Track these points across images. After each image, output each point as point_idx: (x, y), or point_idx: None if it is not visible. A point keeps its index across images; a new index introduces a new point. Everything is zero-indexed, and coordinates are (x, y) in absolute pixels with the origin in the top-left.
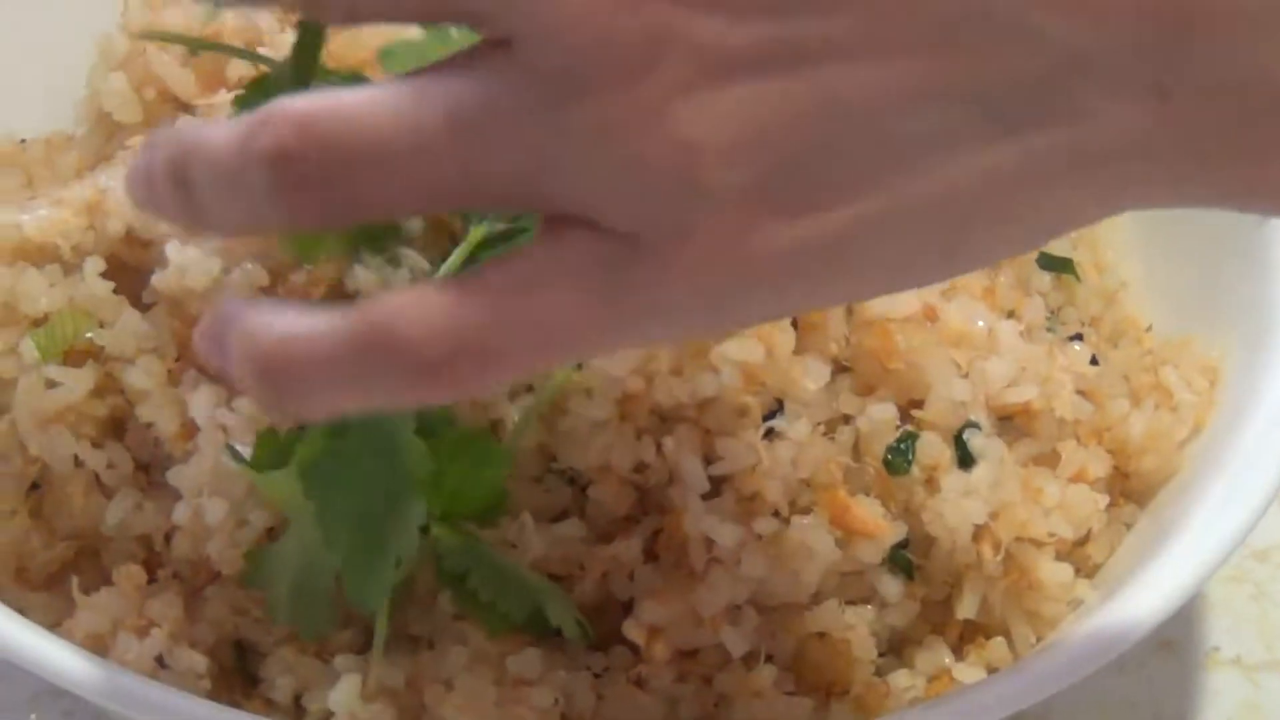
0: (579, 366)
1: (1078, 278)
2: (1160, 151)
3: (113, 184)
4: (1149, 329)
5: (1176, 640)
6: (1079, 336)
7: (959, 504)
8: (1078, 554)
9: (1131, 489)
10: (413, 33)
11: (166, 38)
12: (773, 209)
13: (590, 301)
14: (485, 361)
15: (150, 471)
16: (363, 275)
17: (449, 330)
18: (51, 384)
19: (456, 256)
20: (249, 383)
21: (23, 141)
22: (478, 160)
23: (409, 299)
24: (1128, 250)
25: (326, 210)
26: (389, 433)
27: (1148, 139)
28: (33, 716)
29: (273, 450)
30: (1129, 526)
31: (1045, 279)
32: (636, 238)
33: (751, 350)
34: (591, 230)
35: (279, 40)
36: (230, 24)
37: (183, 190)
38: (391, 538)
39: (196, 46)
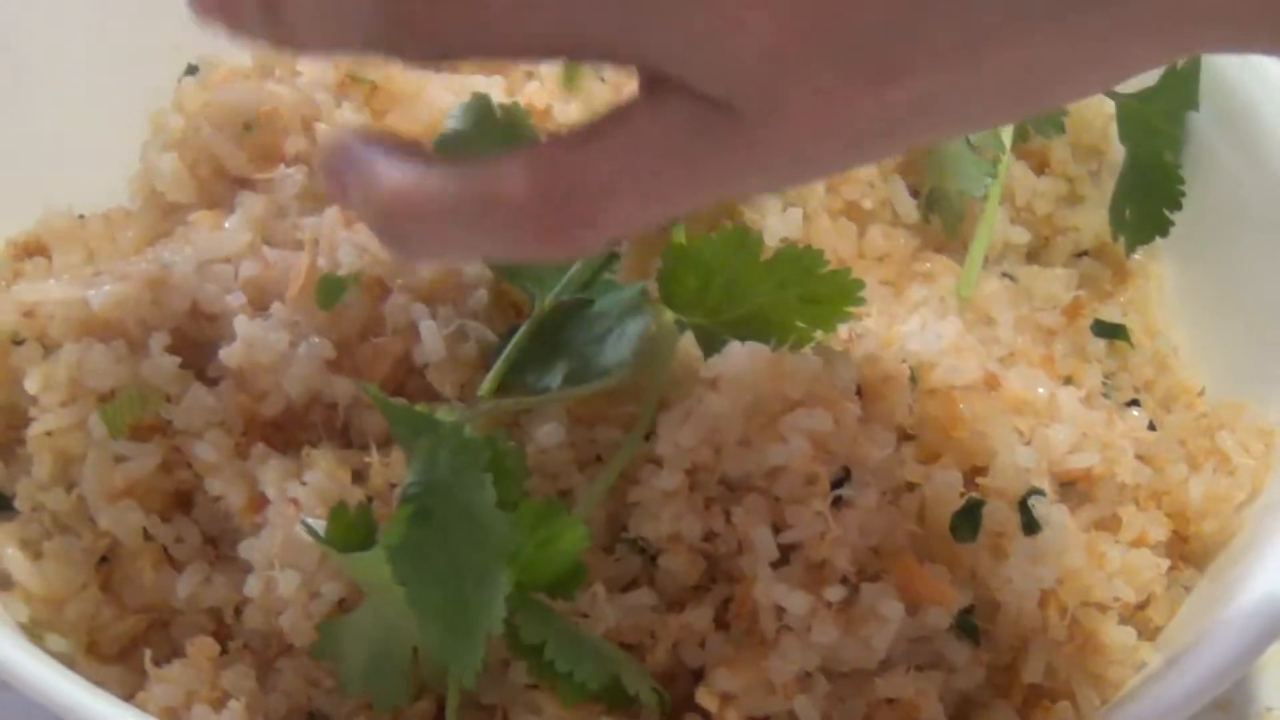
0: (647, 438)
1: (1131, 344)
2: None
3: (176, 260)
4: (1201, 393)
5: (1232, 701)
6: (1135, 402)
7: (1026, 570)
8: (1139, 617)
9: (1190, 552)
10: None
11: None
12: (863, 78)
13: (687, 159)
14: (592, 213)
15: (219, 545)
16: (431, 348)
17: (558, 182)
18: (120, 459)
19: (526, 329)
20: (368, 223)
21: (81, 217)
22: (577, 8)
23: (520, 157)
24: (1176, 316)
25: (424, 43)
26: (473, 510)
27: None
28: None
29: (347, 526)
30: (1188, 589)
31: (1099, 345)
32: (729, 104)
33: (819, 420)
34: (687, 94)
35: (335, 115)
36: (287, 99)
37: (271, 12)
38: (481, 612)
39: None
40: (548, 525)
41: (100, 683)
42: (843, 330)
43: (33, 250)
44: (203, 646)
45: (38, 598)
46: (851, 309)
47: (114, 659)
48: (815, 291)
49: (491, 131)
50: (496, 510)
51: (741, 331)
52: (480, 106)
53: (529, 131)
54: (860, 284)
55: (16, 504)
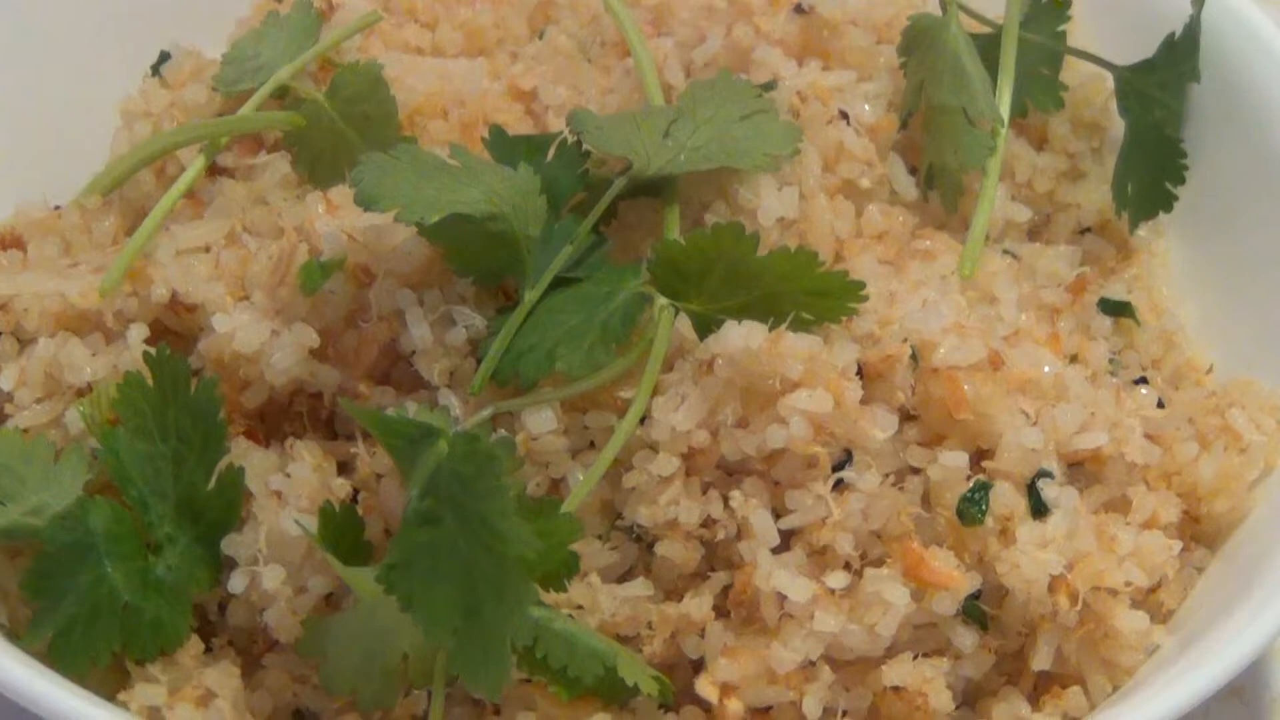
0: (642, 421)
1: (1137, 321)
2: None
3: (154, 250)
4: (1209, 371)
5: (1245, 687)
6: (1143, 380)
7: (1035, 555)
8: (1151, 600)
9: (1202, 532)
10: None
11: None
12: None
13: None
14: None
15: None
16: (418, 335)
17: None
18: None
19: (516, 315)
20: None
21: (57, 208)
22: None
23: None
24: (1182, 292)
25: None
26: (489, 521)
27: None
28: None
29: (335, 525)
30: (1201, 570)
31: (1105, 323)
32: None
33: (819, 401)
34: None
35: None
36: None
37: None
38: (504, 627)
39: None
40: (540, 521)
41: (81, 682)
42: None
43: (8, 243)
44: (187, 645)
45: (16, 597)
46: (854, 304)
47: None
48: (816, 286)
49: None
50: (515, 519)
51: (740, 318)
52: None
53: None
54: (861, 284)
55: None
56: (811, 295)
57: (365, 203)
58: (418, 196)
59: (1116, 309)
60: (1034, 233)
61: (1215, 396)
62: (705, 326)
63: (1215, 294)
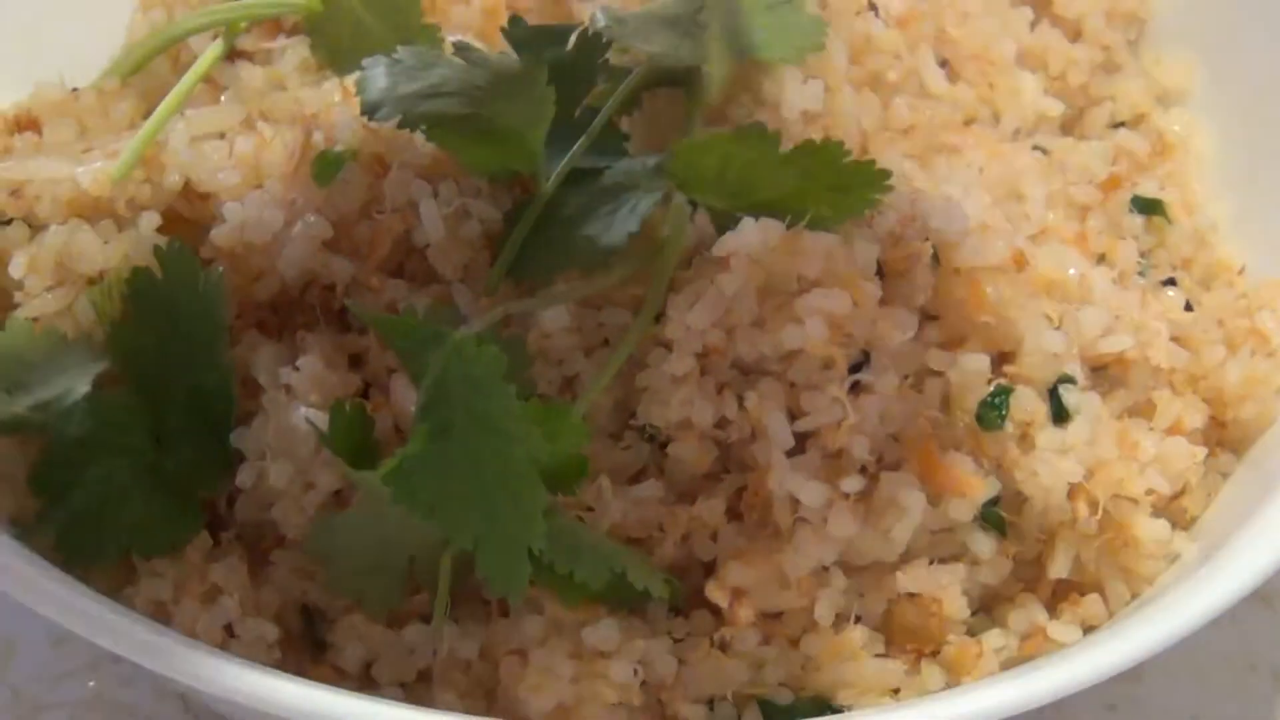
0: (656, 320)
1: (1169, 219)
2: None
3: (168, 135)
4: (1241, 271)
5: (1272, 592)
6: (1172, 281)
7: (1055, 462)
8: (1173, 507)
9: (1228, 438)
10: None
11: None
12: None
13: None
14: None
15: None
16: (432, 228)
17: None
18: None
19: (532, 209)
20: None
21: (74, 90)
22: None
23: None
24: (1217, 190)
25: None
26: (495, 422)
27: None
28: (92, 683)
29: (345, 423)
30: (1226, 476)
31: (1136, 221)
32: None
33: (837, 301)
34: None
35: None
36: None
37: None
38: (521, 529)
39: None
40: (549, 424)
41: (86, 577)
42: None
43: (24, 124)
44: (196, 541)
45: (24, 489)
46: (878, 195)
47: None
48: (840, 180)
49: None
50: (522, 419)
51: (761, 216)
52: None
53: None
54: (887, 173)
55: None
56: (834, 191)
57: (371, 109)
58: (425, 97)
59: (1148, 207)
60: (1066, 127)
61: (1246, 298)
62: (724, 225)
63: (1251, 192)
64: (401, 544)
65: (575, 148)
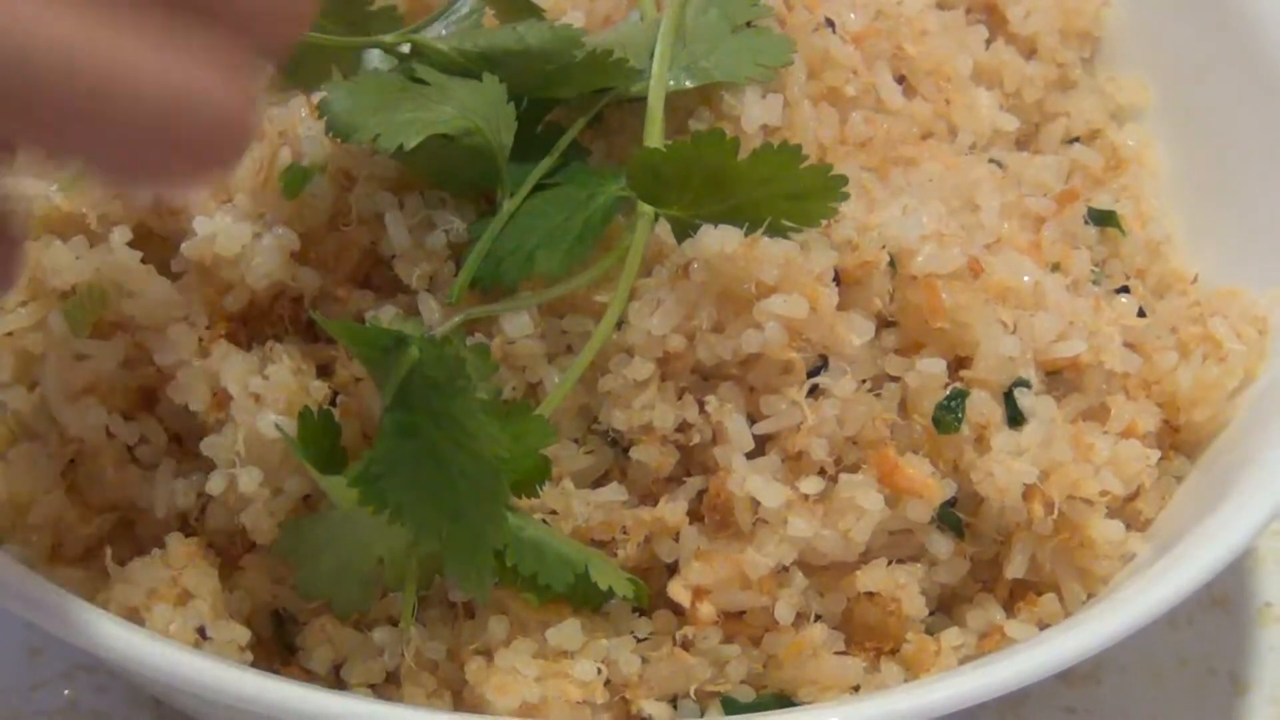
0: (619, 326)
1: (1123, 231)
2: None
3: None
4: (1195, 280)
5: (1229, 596)
6: (1125, 289)
7: (1010, 464)
8: (1129, 509)
9: (1182, 442)
10: None
11: None
12: None
13: None
14: None
15: (184, 442)
16: (397, 239)
17: None
18: (81, 357)
19: (497, 222)
20: None
21: None
22: None
23: None
24: (1171, 202)
25: None
26: (459, 421)
27: None
28: (67, 691)
29: (313, 429)
30: (1180, 479)
31: (1091, 232)
32: None
33: (795, 305)
34: None
35: None
36: None
37: None
38: (487, 525)
39: None
40: (513, 425)
41: (62, 586)
42: None
43: None
44: (181, 543)
45: (2, 501)
46: (834, 204)
47: (77, 561)
48: (798, 187)
49: None
50: (486, 420)
51: (720, 223)
52: None
53: None
54: (843, 179)
55: None
56: (792, 200)
57: (340, 134)
58: (391, 122)
59: (1102, 218)
60: (1021, 142)
61: (1199, 305)
62: (684, 232)
63: (1204, 203)
64: (369, 546)
65: (539, 165)
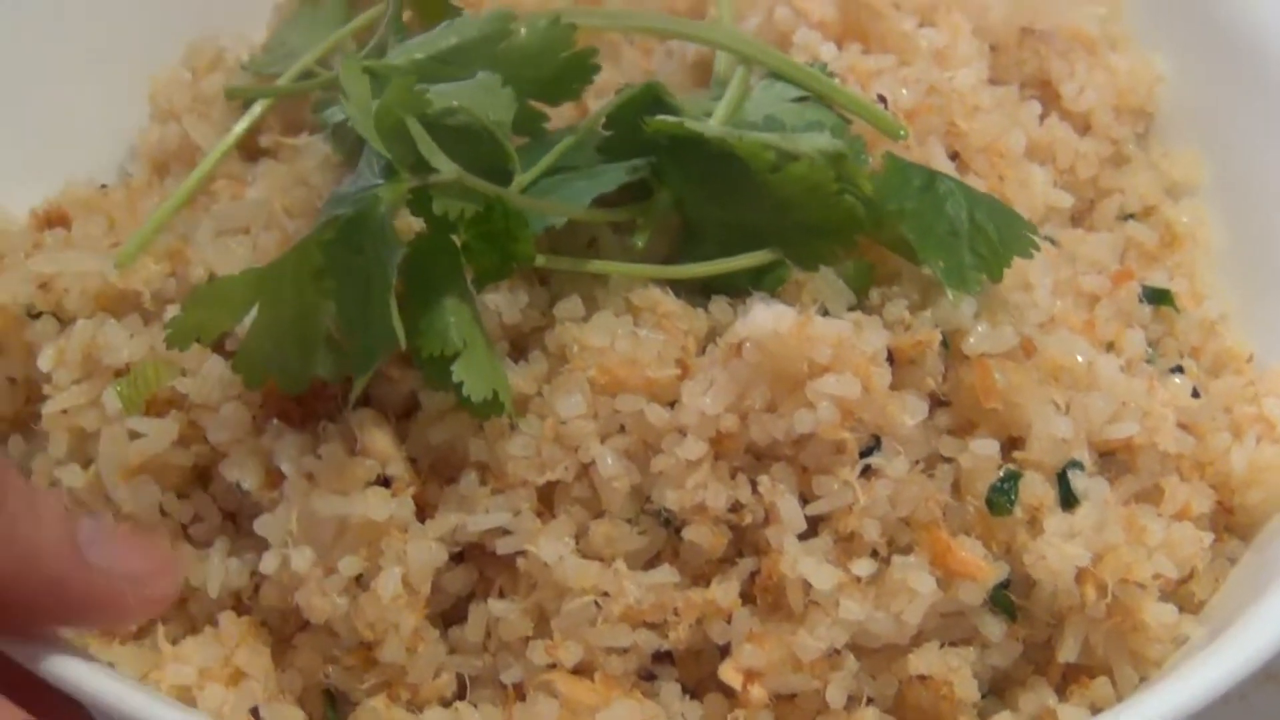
0: (672, 406)
1: (1177, 309)
2: None
3: (194, 231)
4: (1250, 360)
5: None
6: (1179, 369)
7: (1063, 547)
8: (1182, 592)
9: (1236, 523)
10: None
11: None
12: None
13: None
14: None
15: (237, 520)
16: None
17: None
18: (135, 435)
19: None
20: None
21: (104, 187)
22: None
23: None
24: (1226, 279)
25: None
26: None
27: None
28: None
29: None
30: (1233, 561)
31: (1145, 311)
32: None
33: (848, 385)
34: None
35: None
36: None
37: None
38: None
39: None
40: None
41: (113, 664)
42: (873, 295)
43: (55, 220)
44: (234, 622)
45: None
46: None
47: (129, 638)
48: (814, 220)
49: None
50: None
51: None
52: None
53: None
54: (868, 265)
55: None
56: (805, 232)
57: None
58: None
59: (1157, 297)
60: (1076, 219)
61: (1253, 385)
62: (695, 228)
63: (1259, 281)
64: (308, 327)
65: (555, 148)
